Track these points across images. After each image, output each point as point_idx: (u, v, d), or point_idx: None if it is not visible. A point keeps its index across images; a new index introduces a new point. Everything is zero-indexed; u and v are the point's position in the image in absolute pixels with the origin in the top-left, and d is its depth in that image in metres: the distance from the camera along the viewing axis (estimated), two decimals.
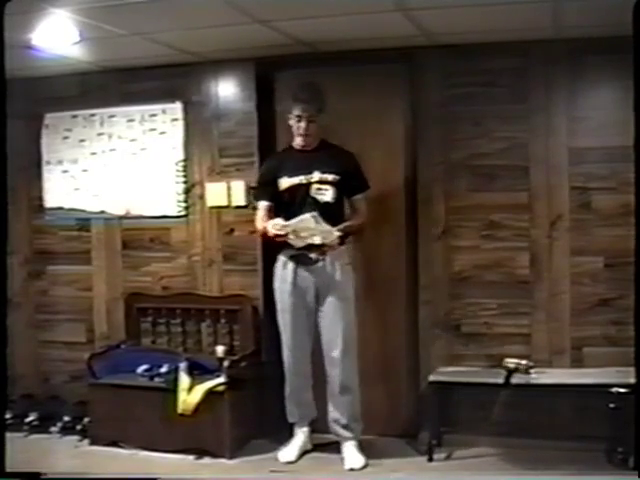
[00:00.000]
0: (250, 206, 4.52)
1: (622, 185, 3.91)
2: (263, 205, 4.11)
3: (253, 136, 4.53)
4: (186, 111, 4.64)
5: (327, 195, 3.98)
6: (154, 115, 4.68)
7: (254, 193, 4.31)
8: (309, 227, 3.86)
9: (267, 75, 4.53)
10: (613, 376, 3.79)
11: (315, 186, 3.98)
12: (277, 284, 4.10)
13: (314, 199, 3.97)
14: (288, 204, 4.01)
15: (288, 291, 4.03)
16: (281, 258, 4.06)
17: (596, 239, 4.07)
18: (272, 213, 4.05)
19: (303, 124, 3.99)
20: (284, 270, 4.05)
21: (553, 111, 4.12)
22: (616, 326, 4.02)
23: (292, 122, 4.03)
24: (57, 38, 3.68)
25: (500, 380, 3.92)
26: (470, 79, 4.21)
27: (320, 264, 3.96)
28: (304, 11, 3.55)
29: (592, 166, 4.06)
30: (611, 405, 3.70)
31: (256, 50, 4.24)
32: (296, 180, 4.00)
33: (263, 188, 4.14)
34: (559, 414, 4.10)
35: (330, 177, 3.99)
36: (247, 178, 4.52)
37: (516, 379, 3.91)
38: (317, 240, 3.87)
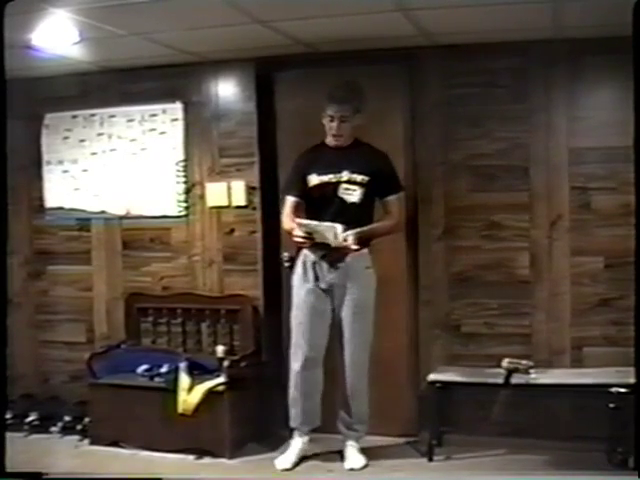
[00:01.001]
0: (250, 206, 4.53)
1: (622, 185, 3.91)
2: (290, 201, 4.03)
3: (253, 136, 4.53)
4: (186, 111, 4.63)
5: (354, 196, 3.90)
6: (154, 115, 4.68)
7: (282, 187, 4.23)
8: (327, 235, 3.78)
9: (267, 75, 4.53)
10: (613, 376, 3.79)
11: (343, 186, 3.90)
12: (296, 282, 4.02)
13: (341, 199, 3.90)
14: (315, 202, 3.94)
15: (306, 290, 3.96)
16: (302, 257, 3.99)
17: (596, 239, 4.08)
18: (299, 210, 3.97)
19: (335, 124, 3.90)
20: (304, 269, 3.97)
21: (553, 111, 4.12)
22: (616, 326, 4.02)
23: (325, 121, 3.94)
24: (57, 38, 3.68)
25: (500, 380, 3.92)
26: (470, 79, 4.21)
27: (341, 266, 3.90)
28: (304, 11, 3.55)
29: (592, 166, 4.06)
30: (611, 405, 3.69)
31: (256, 50, 4.25)
32: (325, 178, 3.93)
33: (292, 183, 4.06)
34: (559, 414, 4.10)
35: (359, 178, 3.91)
36: (247, 178, 4.53)
37: (516, 379, 3.91)
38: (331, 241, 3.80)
